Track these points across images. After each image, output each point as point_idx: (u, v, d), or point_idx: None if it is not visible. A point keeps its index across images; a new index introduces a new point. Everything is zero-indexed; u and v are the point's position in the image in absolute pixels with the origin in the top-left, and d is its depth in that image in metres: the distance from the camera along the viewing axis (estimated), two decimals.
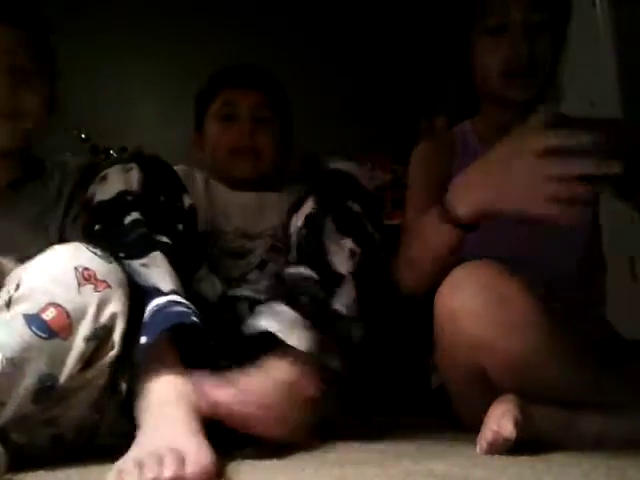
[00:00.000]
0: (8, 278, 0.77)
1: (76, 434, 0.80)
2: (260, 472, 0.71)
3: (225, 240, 1.17)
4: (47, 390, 0.71)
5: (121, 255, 0.82)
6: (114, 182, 0.92)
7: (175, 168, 1.18)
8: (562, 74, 1.22)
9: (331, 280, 0.91)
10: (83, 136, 2.52)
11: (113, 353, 0.75)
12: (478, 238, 0.91)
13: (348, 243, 0.94)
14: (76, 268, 0.74)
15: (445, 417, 1.04)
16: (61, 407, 0.75)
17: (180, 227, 0.92)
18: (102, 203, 0.90)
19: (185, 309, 0.79)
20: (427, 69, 2.09)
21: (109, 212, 0.89)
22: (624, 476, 0.64)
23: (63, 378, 0.72)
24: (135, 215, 0.87)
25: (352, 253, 0.94)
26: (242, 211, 1.21)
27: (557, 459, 0.74)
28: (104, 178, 0.93)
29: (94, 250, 0.77)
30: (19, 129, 1.02)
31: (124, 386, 0.75)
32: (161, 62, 2.66)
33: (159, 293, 0.80)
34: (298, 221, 1.00)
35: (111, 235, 0.87)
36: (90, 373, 0.74)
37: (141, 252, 0.84)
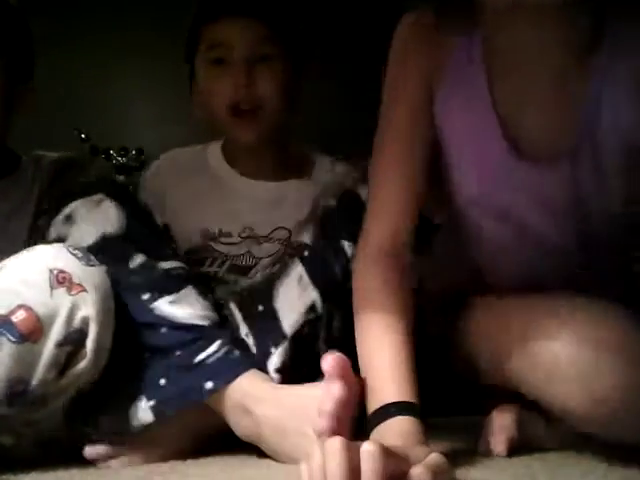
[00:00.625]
0: None
1: (62, 438, 0.78)
2: (260, 472, 0.72)
3: (227, 245, 1.03)
4: (20, 394, 0.69)
5: (144, 298, 0.80)
6: (89, 223, 0.83)
7: (187, 150, 1.15)
8: None
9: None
10: (83, 136, 2.52)
11: (84, 363, 0.73)
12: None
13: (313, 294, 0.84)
14: (51, 270, 0.71)
15: (445, 416, 1.04)
16: (40, 413, 0.73)
17: (171, 251, 0.89)
18: (90, 249, 0.81)
19: (240, 354, 0.79)
20: None
21: (107, 258, 0.81)
22: (623, 476, 0.65)
23: (35, 383, 0.70)
24: (140, 257, 0.83)
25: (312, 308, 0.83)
26: (254, 206, 1.05)
27: (555, 459, 0.74)
28: (70, 218, 0.84)
29: (75, 252, 0.75)
30: None
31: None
32: (161, 62, 2.65)
33: (206, 334, 0.79)
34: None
35: (122, 280, 0.81)
36: (65, 381, 0.73)
37: (170, 288, 0.81)
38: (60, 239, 0.83)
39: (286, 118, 1.07)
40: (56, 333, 0.70)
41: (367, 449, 0.52)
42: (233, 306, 0.86)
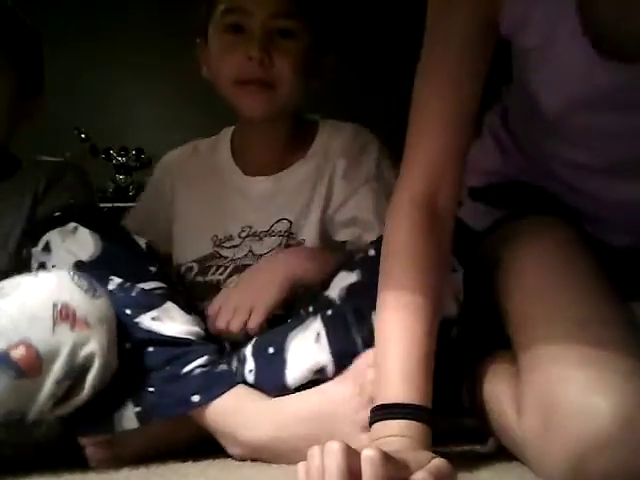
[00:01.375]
0: None
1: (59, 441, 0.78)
2: (260, 472, 0.71)
3: (231, 249, 1.02)
4: (15, 423, 0.69)
5: (127, 313, 0.79)
6: (64, 251, 0.83)
7: (203, 143, 1.13)
8: None
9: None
10: (83, 136, 2.52)
11: (82, 397, 0.72)
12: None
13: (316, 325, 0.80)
14: (55, 304, 0.70)
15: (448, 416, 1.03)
16: (35, 432, 0.73)
17: (154, 269, 0.88)
18: None
19: (227, 369, 0.80)
20: None
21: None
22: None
23: (32, 414, 0.69)
24: (117, 280, 0.82)
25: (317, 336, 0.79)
26: (251, 203, 1.04)
27: None
28: (47, 247, 0.84)
29: (80, 283, 0.74)
30: None
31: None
32: (161, 62, 2.66)
33: (193, 348, 0.79)
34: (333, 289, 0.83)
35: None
36: (60, 410, 0.72)
37: (150, 305, 0.81)
38: (39, 264, 0.84)
39: (298, 100, 1.01)
40: (56, 371, 0.69)
41: (368, 454, 0.50)
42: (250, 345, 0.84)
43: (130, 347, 0.78)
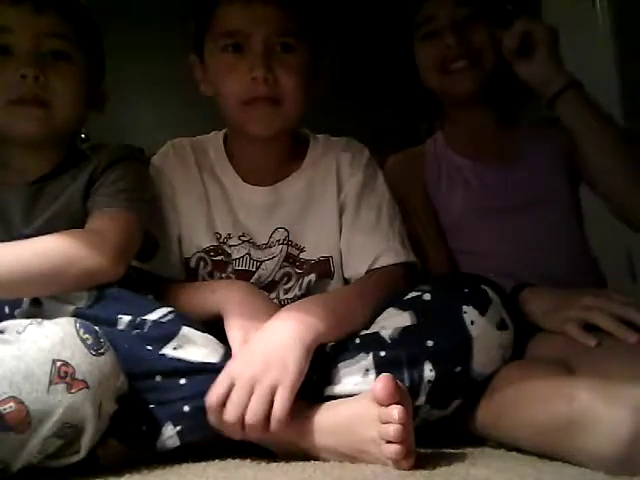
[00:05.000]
0: None
1: None
2: (261, 472, 0.72)
3: (232, 247, 1.01)
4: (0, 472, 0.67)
5: (149, 349, 0.78)
6: (55, 302, 0.82)
7: (183, 143, 1.09)
8: None
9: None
10: (83, 136, 2.52)
11: (77, 458, 0.70)
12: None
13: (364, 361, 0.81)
14: (54, 362, 0.67)
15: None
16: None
17: (151, 296, 0.87)
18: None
19: None
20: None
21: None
22: (628, 477, 0.65)
23: (17, 466, 0.67)
24: (125, 318, 0.81)
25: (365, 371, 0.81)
26: (251, 212, 1.03)
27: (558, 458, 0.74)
28: (37, 301, 0.82)
29: (85, 337, 0.71)
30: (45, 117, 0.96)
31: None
32: (161, 62, 2.66)
33: (219, 366, 0.78)
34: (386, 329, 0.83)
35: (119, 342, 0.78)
36: (56, 464, 0.70)
37: (167, 336, 0.79)
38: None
39: (302, 113, 1.01)
40: (46, 429, 0.67)
41: None
42: None
43: (161, 380, 0.78)
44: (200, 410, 0.76)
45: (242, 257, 1.01)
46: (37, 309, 0.82)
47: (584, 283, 1.09)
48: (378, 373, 0.79)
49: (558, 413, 0.72)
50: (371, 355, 0.81)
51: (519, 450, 0.77)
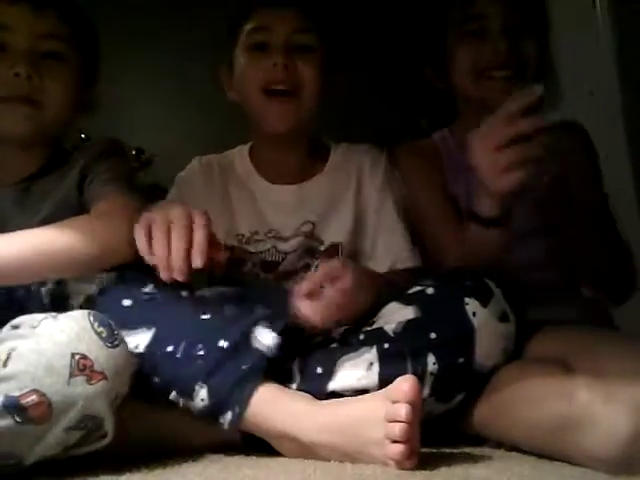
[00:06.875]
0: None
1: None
2: (261, 472, 0.71)
3: (255, 243, 1.09)
4: (11, 466, 0.67)
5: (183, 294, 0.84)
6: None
7: (210, 158, 1.18)
8: (561, 76, 1.21)
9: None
10: (83, 136, 2.52)
11: (105, 442, 0.72)
12: None
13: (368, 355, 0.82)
14: (73, 355, 0.69)
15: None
16: None
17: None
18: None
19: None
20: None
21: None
22: (627, 477, 0.65)
23: (30, 461, 0.68)
24: (151, 283, 0.85)
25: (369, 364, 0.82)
26: (278, 210, 1.12)
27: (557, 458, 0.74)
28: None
29: (100, 330, 0.72)
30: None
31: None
32: (161, 62, 2.66)
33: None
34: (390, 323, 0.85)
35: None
36: (77, 452, 0.71)
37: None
38: None
39: (316, 110, 1.10)
40: (67, 421, 0.68)
41: None
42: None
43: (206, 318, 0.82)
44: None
45: (268, 250, 1.09)
46: (62, 287, 0.85)
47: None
48: (382, 366, 0.81)
49: (557, 413, 0.72)
50: (375, 348, 0.82)
51: (519, 450, 0.77)
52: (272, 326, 0.80)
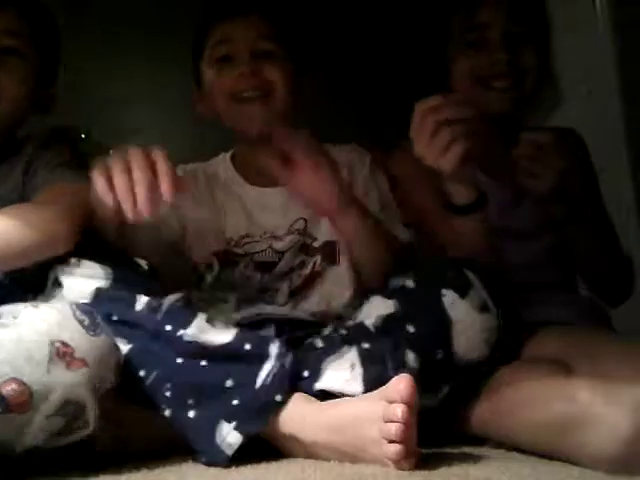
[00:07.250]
0: None
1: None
2: (261, 472, 0.72)
3: (249, 244, 1.08)
4: (4, 455, 0.68)
5: (168, 329, 0.79)
6: (80, 278, 0.84)
7: (194, 166, 1.18)
8: (561, 78, 1.21)
9: None
10: (83, 136, 2.52)
11: (86, 432, 0.71)
12: None
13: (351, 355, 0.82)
14: (52, 342, 0.69)
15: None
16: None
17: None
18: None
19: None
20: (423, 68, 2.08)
21: (109, 309, 0.81)
22: (627, 477, 0.65)
23: (20, 449, 0.68)
24: (144, 298, 0.82)
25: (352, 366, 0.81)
26: (269, 213, 1.11)
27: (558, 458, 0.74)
28: (57, 283, 0.84)
29: (82, 318, 0.73)
30: None
31: None
32: (163, 62, 2.65)
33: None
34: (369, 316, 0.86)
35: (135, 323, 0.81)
36: (62, 441, 0.71)
37: (187, 318, 0.81)
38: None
39: (290, 113, 1.10)
40: (47, 408, 0.68)
41: None
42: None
43: (182, 362, 0.78)
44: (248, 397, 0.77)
45: (264, 250, 1.07)
46: (59, 289, 0.83)
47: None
48: (364, 367, 0.80)
49: (558, 413, 0.72)
50: (354, 348, 0.82)
51: (519, 450, 0.77)
52: (241, 428, 0.76)
